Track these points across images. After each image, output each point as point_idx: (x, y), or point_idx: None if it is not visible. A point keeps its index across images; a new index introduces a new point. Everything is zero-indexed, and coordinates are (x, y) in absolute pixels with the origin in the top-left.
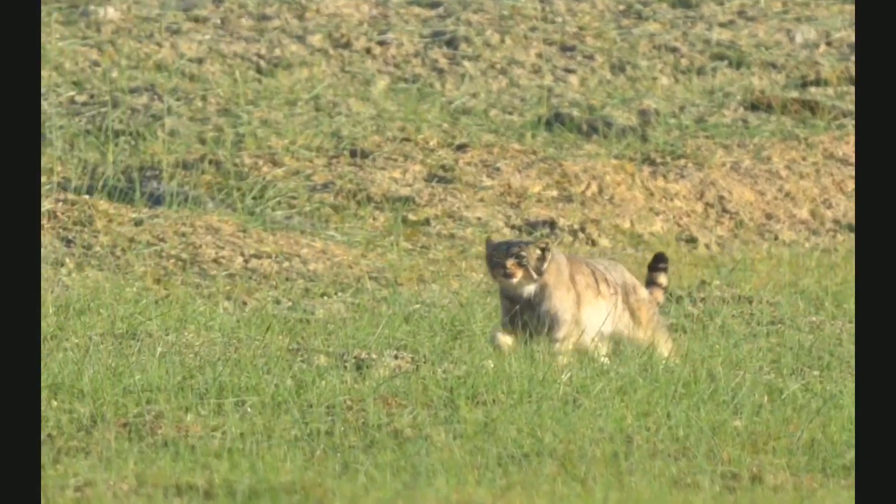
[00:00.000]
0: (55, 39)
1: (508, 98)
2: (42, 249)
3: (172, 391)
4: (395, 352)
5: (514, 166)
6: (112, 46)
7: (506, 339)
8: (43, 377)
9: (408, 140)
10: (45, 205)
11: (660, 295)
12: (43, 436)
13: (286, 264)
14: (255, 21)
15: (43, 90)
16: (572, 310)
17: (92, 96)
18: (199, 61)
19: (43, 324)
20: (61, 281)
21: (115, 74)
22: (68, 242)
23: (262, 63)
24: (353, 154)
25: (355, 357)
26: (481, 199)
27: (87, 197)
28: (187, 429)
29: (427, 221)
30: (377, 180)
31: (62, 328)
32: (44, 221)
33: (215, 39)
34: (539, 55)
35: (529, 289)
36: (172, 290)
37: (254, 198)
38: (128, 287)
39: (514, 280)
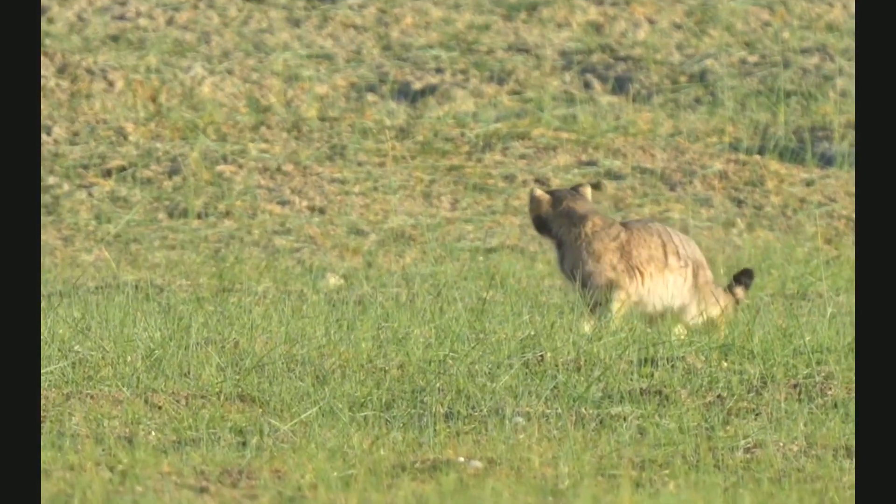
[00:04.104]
0: (726, 0)
1: None
2: (713, 209)
3: (843, 352)
4: None
5: None
6: (783, 6)
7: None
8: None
9: None
10: (716, 165)
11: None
12: (713, 397)
13: None
14: None
15: (714, 50)
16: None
17: (763, 56)
18: None
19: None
20: (732, 241)
21: (786, 35)
22: (739, 203)
23: None
24: None
25: None
26: None
27: (758, 157)
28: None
29: None
30: None
31: None
32: (715, 182)
33: None
34: None
35: None
36: (843, 251)
37: None
38: (798, 247)
39: None
